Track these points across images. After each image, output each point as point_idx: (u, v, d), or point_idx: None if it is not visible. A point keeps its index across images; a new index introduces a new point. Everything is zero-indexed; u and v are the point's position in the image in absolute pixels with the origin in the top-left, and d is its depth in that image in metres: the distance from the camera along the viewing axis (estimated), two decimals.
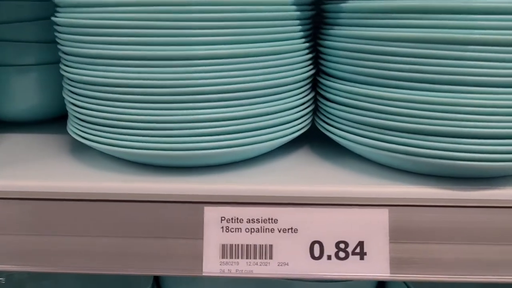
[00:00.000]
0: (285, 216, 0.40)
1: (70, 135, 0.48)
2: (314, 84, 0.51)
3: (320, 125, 0.49)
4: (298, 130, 0.48)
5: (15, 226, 0.42)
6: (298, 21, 0.46)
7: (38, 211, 0.42)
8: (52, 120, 0.61)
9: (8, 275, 0.65)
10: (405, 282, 0.58)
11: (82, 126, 0.46)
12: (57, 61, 0.49)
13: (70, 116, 0.49)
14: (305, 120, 0.49)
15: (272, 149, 0.48)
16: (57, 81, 0.55)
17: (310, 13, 0.47)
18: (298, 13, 0.45)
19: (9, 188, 0.43)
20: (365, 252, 0.40)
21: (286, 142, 0.47)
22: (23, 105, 0.58)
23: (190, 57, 0.41)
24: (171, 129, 0.42)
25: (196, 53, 0.41)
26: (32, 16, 0.55)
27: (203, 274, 0.40)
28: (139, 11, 0.40)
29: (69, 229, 0.42)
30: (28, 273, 0.65)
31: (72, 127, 0.48)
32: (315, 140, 0.53)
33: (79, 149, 0.51)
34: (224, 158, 0.45)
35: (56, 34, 0.47)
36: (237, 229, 0.41)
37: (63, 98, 0.49)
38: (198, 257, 0.41)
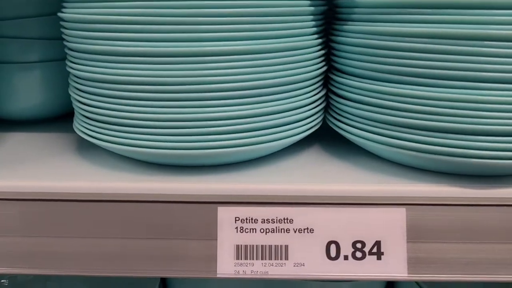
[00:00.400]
0: (301, 216, 0.40)
1: (76, 134, 0.48)
2: (325, 81, 0.50)
3: (332, 122, 0.48)
4: (310, 128, 0.47)
5: (19, 227, 0.41)
6: (310, 17, 0.45)
7: (44, 212, 0.41)
8: (56, 119, 0.60)
9: (11, 276, 0.64)
10: (416, 282, 0.58)
11: (90, 124, 0.45)
12: (61, 58, 0.48)
13: (76, 114, 0.48)
14: (316, 118, 0.48)
15: (284, 147, 0.47)
16: (61, 79, 0.54)
17: (322, 8, 0.47)
18: (310, 8, 0.44)
19: (13, 189, 0.42)
20: (382, 252, 0.39)
21: (297, 140, 0.46)
22: (26, 103, 0.57)
23: (200, 54, 0.40)
24: (181, 127, 0.41)
25: (206, 49, 0.40)
26: (36, 12, 0.54)
27: (218, 276, 0.39)
28: (148, 6, 0.40)
29: (76, 230, 0.41)
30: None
31: (79, 126, 0.47)
32: (325, 138, 0.52)
33: (86, 148, 0.50)
34: (234, 156, 0.44)
35: (63, 30, 0.46)
36: (251, 230, 0.40)
37: (68, 95, 0.48)
38: (212, 259, 0.40)
